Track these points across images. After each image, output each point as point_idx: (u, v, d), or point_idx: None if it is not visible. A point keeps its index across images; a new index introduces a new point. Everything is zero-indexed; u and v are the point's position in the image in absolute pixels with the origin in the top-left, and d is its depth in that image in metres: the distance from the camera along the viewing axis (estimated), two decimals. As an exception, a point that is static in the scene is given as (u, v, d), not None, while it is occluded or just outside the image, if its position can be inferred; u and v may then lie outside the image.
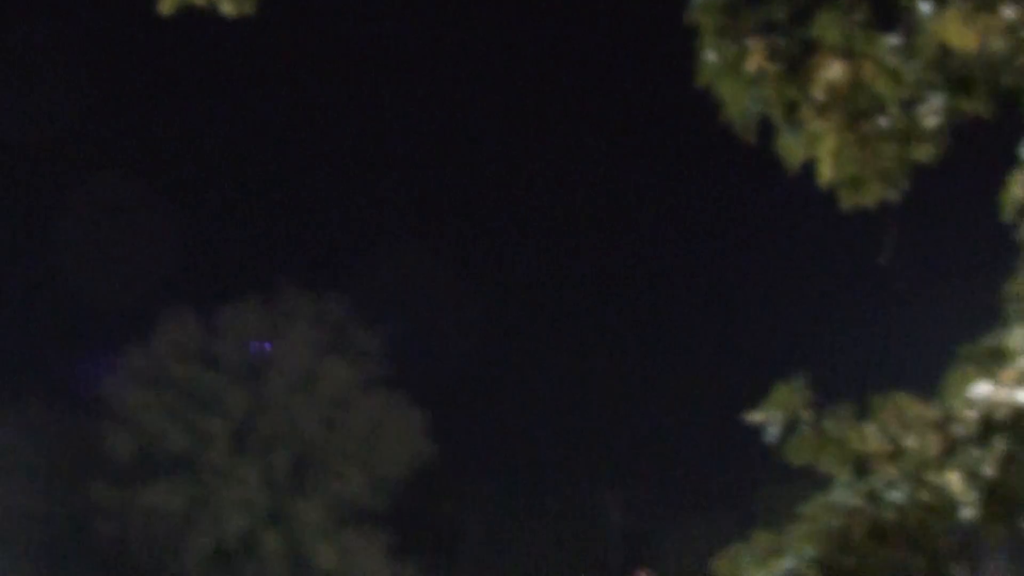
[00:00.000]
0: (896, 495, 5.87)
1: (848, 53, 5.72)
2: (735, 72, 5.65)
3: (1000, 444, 5.68)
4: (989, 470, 5.74)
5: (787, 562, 6.03)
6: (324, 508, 50.04)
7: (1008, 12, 5.60)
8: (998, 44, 5.62)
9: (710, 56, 5.77)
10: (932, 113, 5.86)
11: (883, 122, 5.78)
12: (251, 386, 49.43)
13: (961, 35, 5.62)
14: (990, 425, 5.69)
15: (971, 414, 5.78)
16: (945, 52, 5.82)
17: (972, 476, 5.87)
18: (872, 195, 5.96)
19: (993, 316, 6.15)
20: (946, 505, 5.97)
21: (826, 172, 5.86)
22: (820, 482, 6.28)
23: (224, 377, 49.58)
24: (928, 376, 6.23)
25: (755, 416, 6.15)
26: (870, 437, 6.09)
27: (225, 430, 48.63)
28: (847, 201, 5.98)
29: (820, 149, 5.77)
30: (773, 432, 6.16)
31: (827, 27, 5.73)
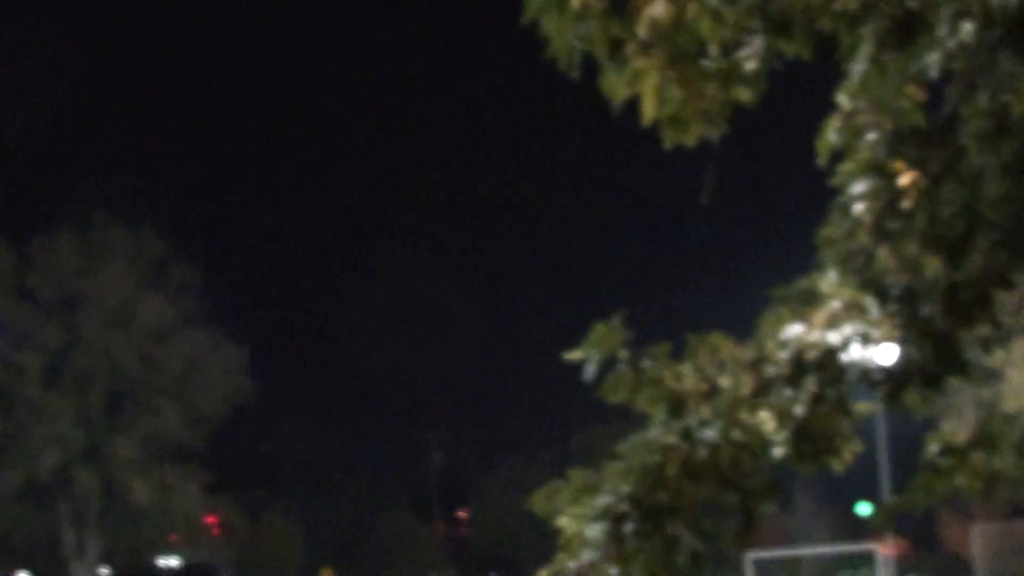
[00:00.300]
0: (709, 433, 5.95)
1: (672, -8, 5.74)
2: (560, 8, 5.61)
3: (810, 384, 5.79)
4: (799, 409, 5.86)
5: (602, 498, 6.09)
6: (140, 445, 49.36)
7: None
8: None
9: (535, -8, 5.73)
10: (753, 56, 5.91)
11: (705, 62, 5.81)
12: (66, 320, 48.43)
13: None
14: (801, 366, 5.80)
15: (783, 355, 5.89)
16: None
17: (783, 415, 5.99)
18: (693, 135, 6.00)
19: (809, 259, 6.26)
20: (758, 443, 6.07)
21: (649, 110, 5.87)
22: (637, 421, 6.35)
23: (38, 310, 48.53)
24: (744, 317, 6.33)
25: (573, 355, 6.18)
26: (685, 377, 6.17)
27: (39, 364, 47.62)
28: (669, 140, 6.01)
29: (643, 87, 5.78)
30: (591, 371, 6.20)
31: (651, -34, 5.74)
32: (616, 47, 5.73)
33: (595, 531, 6.08)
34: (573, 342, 6.25)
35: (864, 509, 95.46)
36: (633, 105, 5.88)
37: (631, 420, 6.52)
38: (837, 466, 6.36)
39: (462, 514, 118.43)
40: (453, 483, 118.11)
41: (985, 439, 6.19)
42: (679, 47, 5.71)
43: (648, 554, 6.08)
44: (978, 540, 68.87)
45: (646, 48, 5.68)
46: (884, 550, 73.17)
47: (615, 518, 6.04)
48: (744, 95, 5.98)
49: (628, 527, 6.02)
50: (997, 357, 7.01)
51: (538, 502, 6.36)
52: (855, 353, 5.97)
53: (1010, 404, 65.77)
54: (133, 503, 49.12)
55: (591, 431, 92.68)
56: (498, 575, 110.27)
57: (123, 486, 48.95)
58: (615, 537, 6.05)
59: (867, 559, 75.03)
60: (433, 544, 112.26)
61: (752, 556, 73.85)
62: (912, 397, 6.19)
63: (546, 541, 7.16)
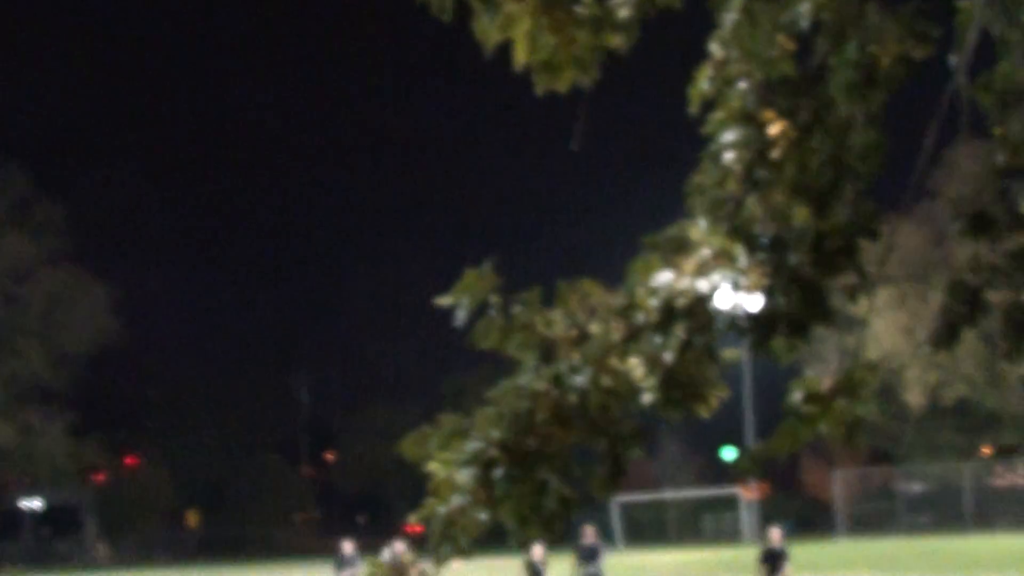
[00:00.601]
0: (579, 380, 5.98)
1: (544, -63, 5.72)
2: (433, -47, 5.57)
3: (679, 331, 5.84)
4: (668, 356, 5.91)
5: (472, 443, 6.10)
6: (2, 386, 48.59)
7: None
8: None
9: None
10: (625, 3, 5.92)
11: (578, 8, 5.81)
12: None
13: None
14: (670, 313, 5.84)
15: (653, 302, 5.92)
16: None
17: (652, 362, 6.03)
18: (565, 81, 6.00)
19: (681, 207, 6.30)
20: (626, 390, 6.12)
21: (521, 55, 5.86)
22: (508, 368, 6.36)
23: None
24: (615, 264, 6.35)
25: (444, 300, 6.17)
26: (556, 323, 6.18)
27: None
28: (541, 86, 6.01)
29: (515, 32, 5.77)
30: (461, 317, 6.20)
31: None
32: (489, -8, 5.71)
33: (464, 476, 6.09)
34: (445, 288, 6.23)
35: (729, 454, 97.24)
36: (506, 50, 5.86)
37: (502, 366, 6.53)
38: (703, 412, 6.44)
39: (329, 457, 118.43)
40: (321, 427, 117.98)
41: (848, 386, 6.28)
42: (552, -7, 5.70)
43: (517, 499, 6.11)
44: (838, 484, 70.56)
45: (519, -7, 5.67)
46: (746, 494, 74.72)
47: (485, 463, 6.06)
48: (617, 42, 5.99)
49: (498, 472, 6.04)
50: (861, 306, 7.13)
51: (407, 447, 6.35)
52: (724, 300, 6.03)
53: (873, 352, 67.12)
54: (-6, 444, 48.40)
55: (462, 377, 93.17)
56: (365, 518, 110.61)
57: (-16, 428, 48.20)
58: (484, 482, 6.07)
59: (730, 503, 76.56)
60: (300, 487, 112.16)
61: (618, 500, 74.83)
62: (778, 344, 6.28)
63: (413, 485, 7.18)
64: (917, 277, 67.24)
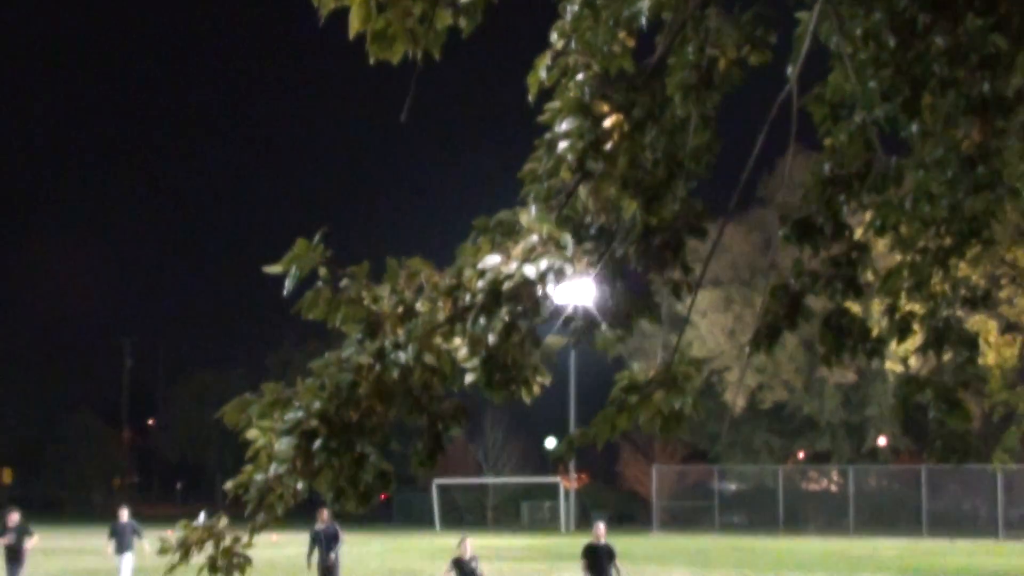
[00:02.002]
0: (403, 356, 6.02)
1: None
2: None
3: (503, 314, 5.90)
4: (491, 338, 5.97)
5: (293, 413, 6.11)
6: None
7: None
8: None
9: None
10: None
11: None
12: None
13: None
14: (496, 296, 5.90)
15: (480, 284, 5.98)
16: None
17: (476, 343, 6.10)
18: (398, 53, 6.02)
19: (516, 192, 6.37)
20: (449, 368, 6.18)
21: (355, 24, 5.87)
22: (334, 346, 6.37)
23: None
24: (445, 245, 6.40)
25: (272, 269, 6.15)
26: (383, 298, 6.21)
27: None
28: (374, 55, 6.01)
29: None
30: (289, 286, 6.19)
31: None
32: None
33: (284, 445, 6.10)
34: (276, 258, 6.22)
35: (552, 443, 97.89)
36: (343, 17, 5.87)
37: (329, 341, 6.54)
38: (526, 397, 6.52)
39: (151, 423, 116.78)
40: (144, 392, 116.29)
41: (669, 379, 6.42)
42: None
43: (335, 471, 6.14)
44: (656, 480, 71.63)
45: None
46: (566, 483, 75.42)
47: (305, 433, 6.07)
48: (449, 20, 6.03)
49: (317, 443, 6.06)
50: (685, 304, 7.26)
51: (229, 413, 6.33)
52: (550, 287, 6.12)
53: (697, 351, 68.08)
54: None
55: (288, 350, 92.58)
56: (183, 485, 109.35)
57: None
58: (304, 452, 6.09)
59: (550, 492, 77.26)
60: (120, 451, 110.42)
61: (438, 482, 75.01)
62: (602, 336, 6.40)
63: (232, 455, 7.15)
64: (743, 281, 68.56)
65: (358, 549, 49.60)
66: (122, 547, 29.82)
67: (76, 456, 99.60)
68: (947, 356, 7.42)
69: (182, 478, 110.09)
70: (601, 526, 20.91)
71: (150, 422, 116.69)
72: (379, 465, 6.22)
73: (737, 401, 71.06)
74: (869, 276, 7.22)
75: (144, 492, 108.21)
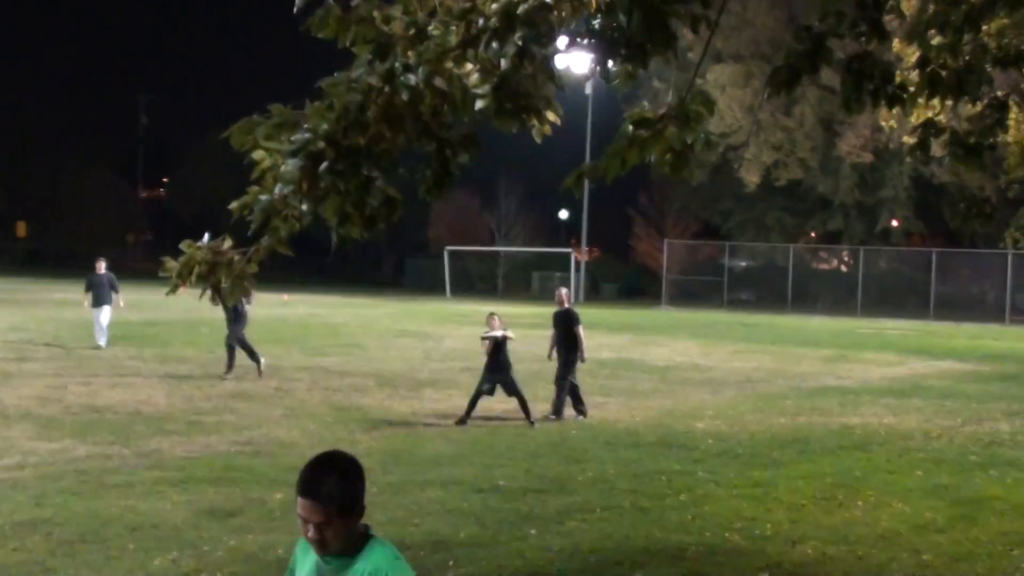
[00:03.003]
0: (413, 78, 5.91)
1: None
2: None
3: (517, 39, 5.78)
4: (504, 63, 5.86)
5: (300, 135, 6.03)
6: None
7: None
8: None
9: None
10: None
11: None
12: None
13: None
14: (511, 20, 5.77)
15: (493, 7, 5.84)
16: None
17: (488, 68, 5.99)
18: None
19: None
20: (460, 94, 6.08)
21: None
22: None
23: None
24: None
25: (284, -18, 6.01)
26: (395, 19, 6.08)
27: None
28: None
29: None
30: (300, 2, 6.06)
31: None
32: None
33: (290, 166, 6.03)
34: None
35: (565, 214, 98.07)
36: None
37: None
38: (536, 135, 6.42)
39: (166, 180, 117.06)
40: (161, 149, 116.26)
41: (679, 114, 6.29)
42: None
43: (341, 194, 6.08)
44: (666, 253, 71.92)
45: None
46: (578, 255, 75.74)
47: (312, 155, 6.00)
48: None
49: (324, 165, 5.98)
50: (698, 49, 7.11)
51: (236, 135, 6.25)
52: (565, 13, 5.99)
53: (715, 126, 67.33)
54: None
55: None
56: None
57: None
58: (310, 174, 6.02)
59: (562, 261, 77.64)
60: (135, 208, 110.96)
61: (449, 248, 75.37)
62: (617, 70, 6.24)
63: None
64: (764, 56, 67.64)
65: (369, 311, 50.16)
66: (99, 300, 29.35)
67: (91, 211, 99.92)
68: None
69: (196, 237, 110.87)
70: (563, 291, 20.67)
71: (165, 180, 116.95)
72: (385, 190, 6.16)
73: (752, 178, 70.90)
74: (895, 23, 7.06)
75: (158, 250, 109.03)
